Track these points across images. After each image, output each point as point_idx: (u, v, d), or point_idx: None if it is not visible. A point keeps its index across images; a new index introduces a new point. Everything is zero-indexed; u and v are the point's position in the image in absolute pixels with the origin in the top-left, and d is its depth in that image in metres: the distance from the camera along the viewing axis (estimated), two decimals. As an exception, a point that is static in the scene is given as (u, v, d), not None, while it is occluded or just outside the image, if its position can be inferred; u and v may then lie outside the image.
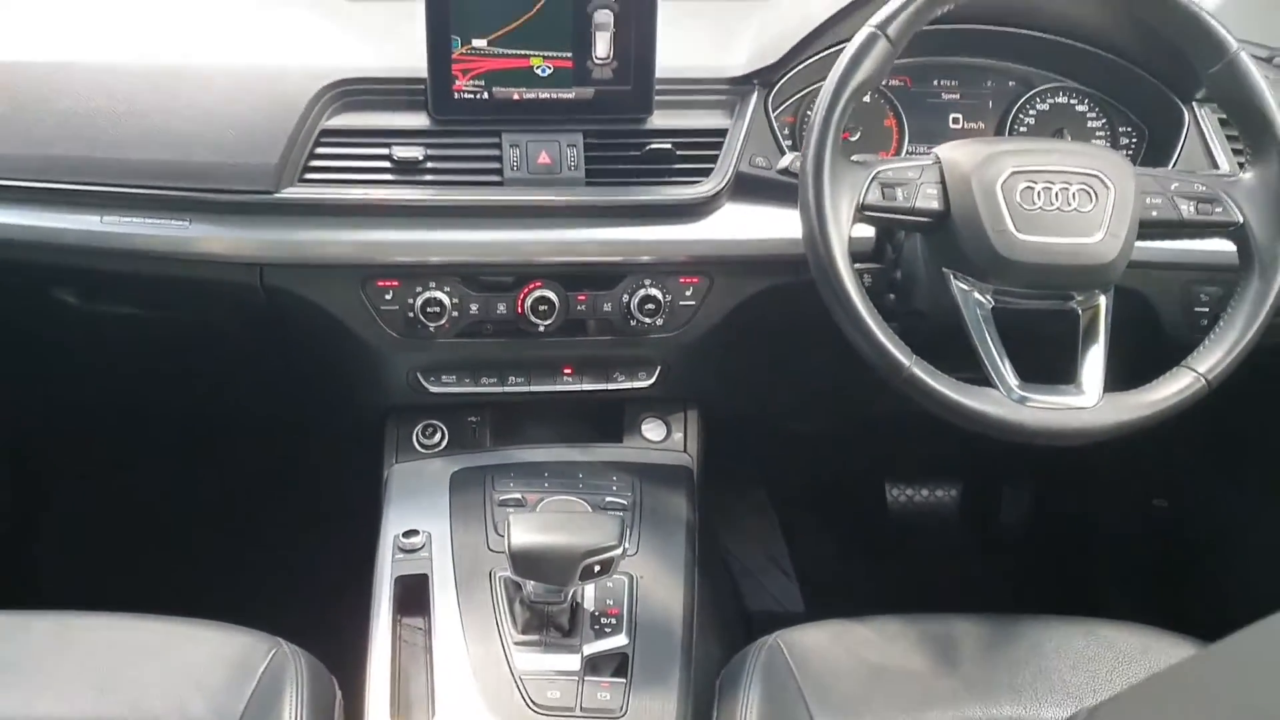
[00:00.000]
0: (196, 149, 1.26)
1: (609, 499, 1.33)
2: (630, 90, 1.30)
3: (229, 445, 1.90)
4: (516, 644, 1.14)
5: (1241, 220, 1.17)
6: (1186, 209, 1.18)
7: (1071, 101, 1.44)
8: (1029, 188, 1.14)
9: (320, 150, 1.27)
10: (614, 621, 1.17)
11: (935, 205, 1.16)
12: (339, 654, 1.19)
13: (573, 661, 1.13)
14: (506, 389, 1.40)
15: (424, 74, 1.27)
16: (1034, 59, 1.43)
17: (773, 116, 1.33)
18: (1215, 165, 1.36)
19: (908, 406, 1.13)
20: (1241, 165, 1.23)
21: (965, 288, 1.16)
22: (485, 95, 1.28)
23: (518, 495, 1.32)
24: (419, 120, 1.30)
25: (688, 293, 1.33)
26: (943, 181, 1.16)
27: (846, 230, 1.13)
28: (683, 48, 1.34)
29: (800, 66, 1.35)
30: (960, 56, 1.43)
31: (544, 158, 1.29)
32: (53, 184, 1.26)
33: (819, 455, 2.01)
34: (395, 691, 1.12)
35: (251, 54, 1.35)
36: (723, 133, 1.32)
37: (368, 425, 1.44)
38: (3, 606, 1.17)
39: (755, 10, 1.45)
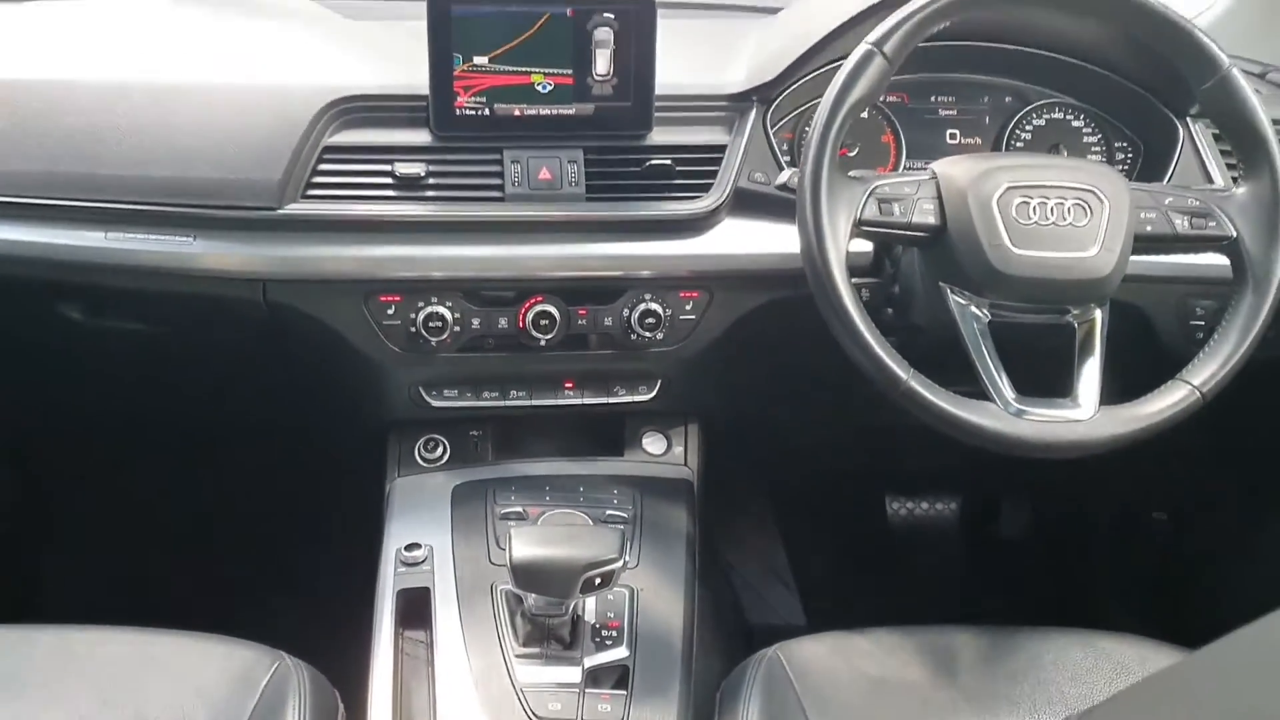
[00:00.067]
0: (200, 165, 1.26)
1: (610, 512, 1.33)
2: (630, 106, 1.31)
3: (231, 458, 1.91)
4: (518, 656, 1.14)
5: (1235, 234, 1.18)
6: (1180, 223, 1.19)
7: (1067, 117, 1.45)
8: (1025, 202, 1.15)
9: (323, 166, 1.28)
10: (615, 634, 1.18)
11: (932, 220, 1.17)
12: (341, 667, 1.20)
13: (573, 674, 1.13)
14: (508, 403, 1.40)
15: (425, 91, 1.28)
16: (1030, 75, 1.44)
17: (771, 132, 1.34)
18: (1210, 180, 1.37)
19: (906, 420, 1.13)
20: (1235, 180, 1.24)
21: (962, 302, 1.17)
22: (486, 112, 1.29)
23: (519, 509, 1.33)
24: (421, 137, 1.31)
25: (688, 307, 1.34)
26: (939, 197, 1.17)
27: (844, 245, 1.14)
28: (682, 64, 1.35)
29: (798, 83, 1.36)
30: (957, 73, 1.44)
31: (545, 173, 1.30)
32: (57, 200, 1.26)
33: (819, 468, 2.01)
34: (397, 704, 1.13)
35: (255, 72, 1.36)
36: (722, 148, 1.33)
37: (370, 439, 1.45)
38: (5, 616, 1.18)
39: (754, 27, 1.47)
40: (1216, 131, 1.37)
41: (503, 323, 1.32)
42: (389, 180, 1.28)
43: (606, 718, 1.11)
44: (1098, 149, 1.45)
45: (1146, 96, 1.41)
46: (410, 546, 1.26)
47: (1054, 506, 2.09)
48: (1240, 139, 1.20)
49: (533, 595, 1.13)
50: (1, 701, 1.07)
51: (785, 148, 1.38)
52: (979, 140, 1.45)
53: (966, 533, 2.17)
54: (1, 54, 1.39)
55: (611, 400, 1.42)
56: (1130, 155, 1.45)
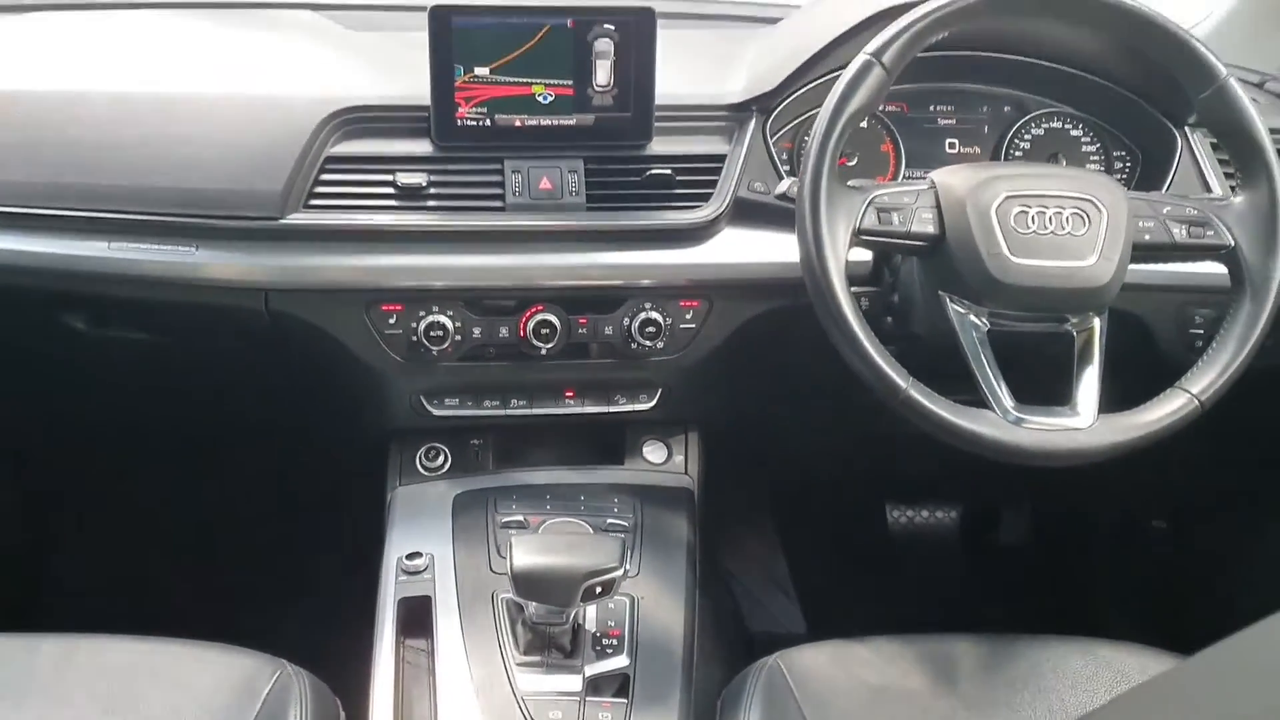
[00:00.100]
0: (203, 176, 1.27)
1: (610, 521, 1.33)
2: (630, 117, 1.31)
3: (233, 466, 1.91)
4: (518, 665, 1.15)
5: (1233, 243, 1.19)
6: (1178, 232, 1.19)
7: (1066, 126, 1.46)
8: (1023, 212, 1.16)
9: (325, 177, 1.28)
10: (615, 642, 1.18)
11: (931, 229, 1.17)
12: (343, 675, 1.20)
13: (574, 682, 1.14)
14: (509, 412, 1.41)
15: (427, 101, 1.29)
16: (1029, 85, 1.45)
17: (771, 142, 1.35)
18: (1208, 189, 1.37)
19: (906, 428, 1.14)
20: (1233, 189, 1.25)
21: (961, 310, 1.18)
22: (487, 122, 1.30)
23: (520, 517, 1.33)
24: (422, 147, 1.31)
25: (688, 316, 1.34)
26: (938, 206, 1.18)
27: (843, 254, 1.14)
28: (682, 75, 1.35)
29: (797, 93, 1.36)
30: (956, 82, 1.45)
31: (545, 183, 1.31)
32: (60, 211, 1.27)
33: (819, 476, 2.01)
34: (398, 712, 1.13)
35: (257, 83, 1.37)
36: (721, 158, 1.34)
37: (371, 448, 1.45)
38: (7, 625, 1.18)
39: (753, 37, 1.48)
40: (1214, 141, 1.37)
41: (503, 332, 1.33)
42: (391, 190, 1.29)
43: (607, 725, 1.11)
44: (1096, 158, 1.46)
45: (1144, 106, 1.41)
46: (411, 555, 1.26)
47: (1054, 514, 2.09)
48: (1238, 148, 1.21)
49: (534, 604, 1.13)
50: (4, 709, 1.07)
51: (785, 157, 1.39)
52: (978, 149, 1.45)
53: (966, 541, 2.17)
54: (6, 65, 1.39)
55: (612, 409, 1.42)
56: (1129, 164, 1.46)
